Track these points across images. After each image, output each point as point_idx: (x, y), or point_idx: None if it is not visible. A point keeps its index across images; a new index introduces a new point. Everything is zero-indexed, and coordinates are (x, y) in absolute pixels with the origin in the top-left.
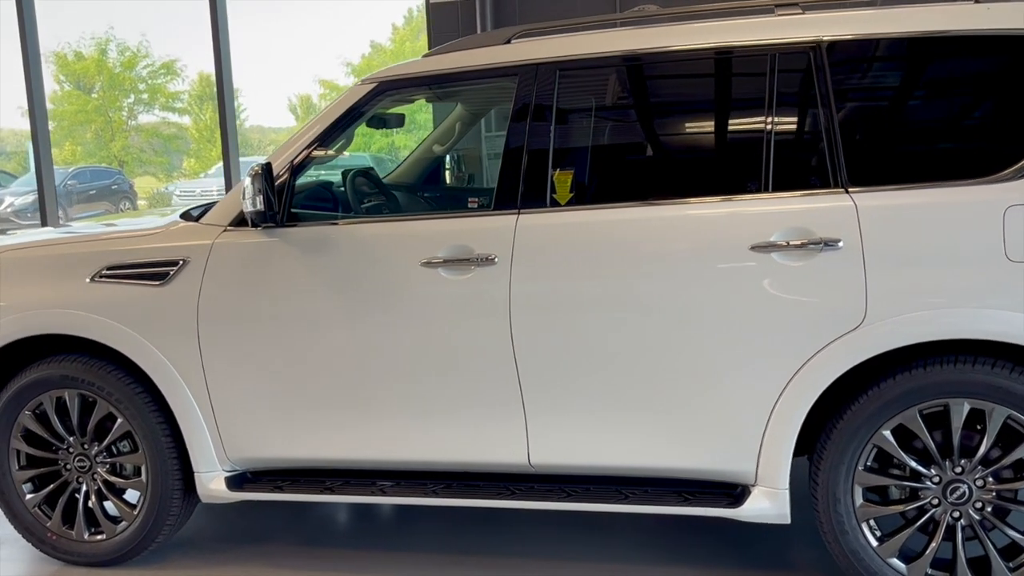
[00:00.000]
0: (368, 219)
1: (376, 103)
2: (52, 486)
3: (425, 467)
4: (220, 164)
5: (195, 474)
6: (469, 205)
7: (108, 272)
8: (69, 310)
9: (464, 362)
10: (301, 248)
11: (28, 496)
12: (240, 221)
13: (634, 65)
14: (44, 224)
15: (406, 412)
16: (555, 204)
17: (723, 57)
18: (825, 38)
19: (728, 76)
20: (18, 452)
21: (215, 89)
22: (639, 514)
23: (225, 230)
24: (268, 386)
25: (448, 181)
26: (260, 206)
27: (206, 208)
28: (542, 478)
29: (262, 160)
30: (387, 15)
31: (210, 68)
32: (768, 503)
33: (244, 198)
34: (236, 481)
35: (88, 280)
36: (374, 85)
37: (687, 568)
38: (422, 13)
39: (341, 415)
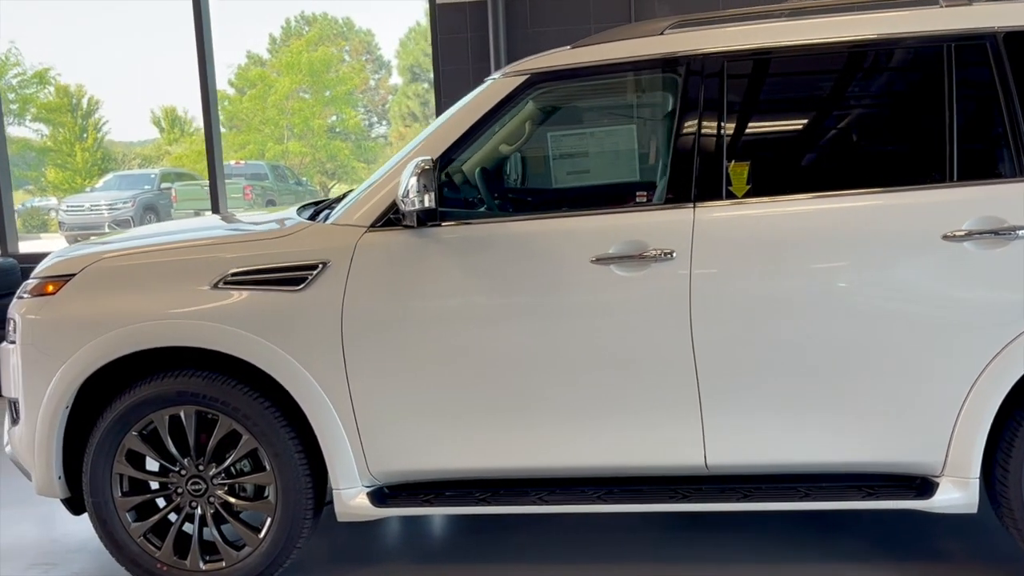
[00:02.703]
0: (531, 216)
1: (526, 96)
2: (162, 512)
3: (590, 473)
4: (109, 177)
5: (334, 491)
6: (637, 199)
7: (234, 278)
8: (190, 320)
9: (638, 362)
10: (459, 247)
11: (133, 525)
12: (384, 221)
13: (809, 56)
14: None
15: (574, 416)
16: (731, 196)
17: (899, 47)
18: (1000, 28)
19: (905, 66)
20: (121, 477)
21: (74, 100)
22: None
23: (368, 230)
24: (422, 394)
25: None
26: (430, 203)
27: (317, 207)
28: (709, 479)
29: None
30: (263, 26)
31: (76, 79)
32: (959, 493)
33: (407, 196)
34: (378, 497)
35: (209, 287)
36: (525, 77)
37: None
38: (300, 23)
39: (503, 422)
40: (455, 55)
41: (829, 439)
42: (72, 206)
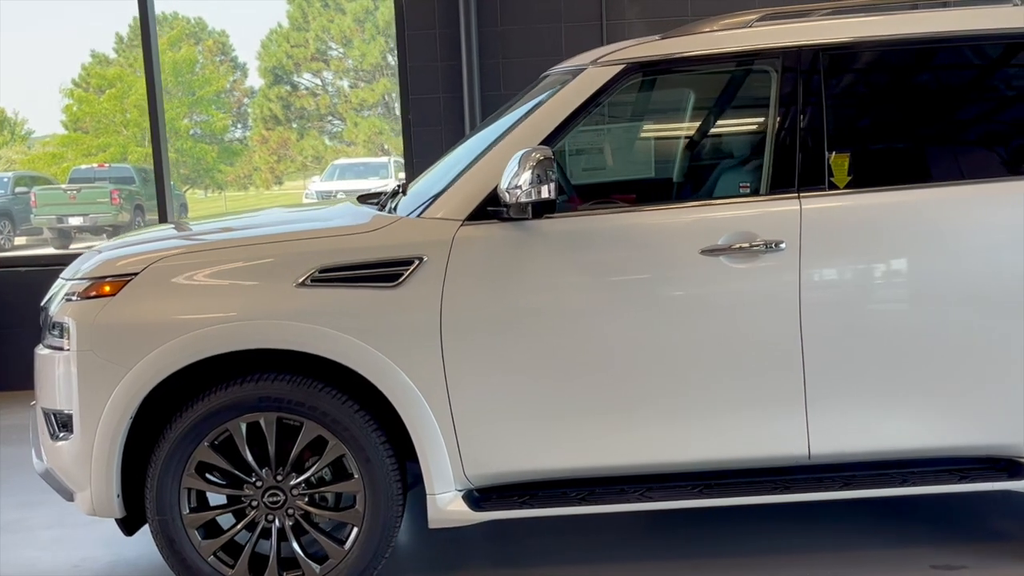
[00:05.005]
0: (637, 207)
1: (619, 86)
2: (238, 527)
3: (692, 468)
4: None
5: (428, 496)
6: (740, 190)
7: (322, 275)
8: (277, 320)
9: (747, 353)
10: (565, 240)
11: (203, 543)
12: (479, 214)
13: (903, 49)
14: None
15: (681, 410)
16: (833, 187)
17: (987, 43)
18: None
19: (995, 61)
20: (190, 492)
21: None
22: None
23: (463, 223)
24: (525, 393)
25: None
26: (548, 195)
27: (378, 201)
28: (805, 468)
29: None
30: (110, 24)
31: None
32: None
33: (519, 187)
34: (473, 500)
35: (295, 285)
36: (621, 67)
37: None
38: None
39: (610, 419)
40: (423, 51)
41: (927, 424)
42: None
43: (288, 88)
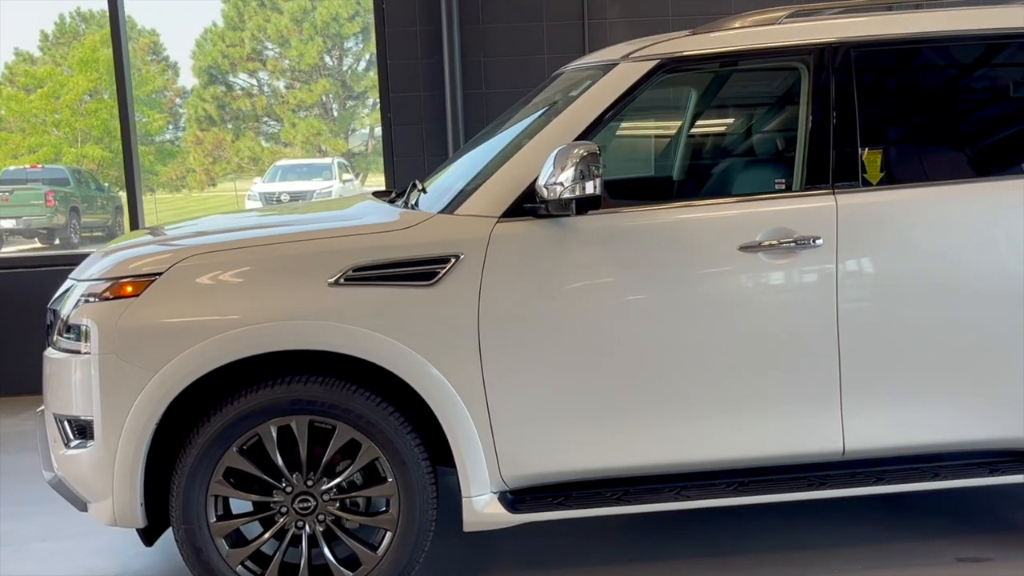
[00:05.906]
0: (675, 204)
1: (653, 82)
2: (268, 534)
3: (728, 466)
4: None
5: (464, 499)
6: (775, 186)
7: (356, 273)
8: (311, 320)
9: (785, 349)
10: (605, 237)
11: (230, 552)
12: (515, 210)
13: (943, 46)
14: None
15: (720, 408)
16: (866, 183)
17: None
18: None
19: None
20: (216, 498)
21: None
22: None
23: (499, 220)
24: (564, 392)
25: None
26: (593, 190)
27: (391, 199)
28: (837, 465)
29: None
30: (34, 21)
31: None
32: None
33: (563, 183)
34: (509, 502)
35: (329, 284)
36: (655, 62)
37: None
38: (76, 20)
39: (649, 418)
40: (404, 48)
41: (961, 418)
42: None
43: (223, 88)
